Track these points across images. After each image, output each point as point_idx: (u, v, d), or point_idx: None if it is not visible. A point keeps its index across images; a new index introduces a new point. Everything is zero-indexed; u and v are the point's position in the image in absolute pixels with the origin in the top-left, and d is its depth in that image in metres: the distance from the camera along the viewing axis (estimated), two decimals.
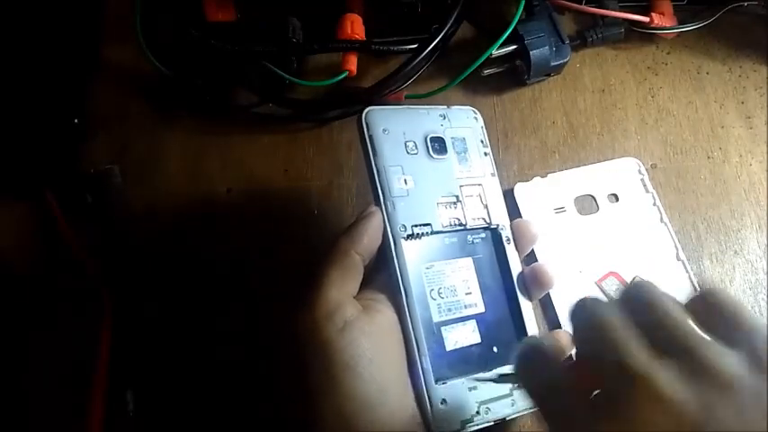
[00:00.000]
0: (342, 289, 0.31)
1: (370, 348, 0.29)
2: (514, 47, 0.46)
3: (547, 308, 0.42)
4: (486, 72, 0.48)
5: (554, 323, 0.42)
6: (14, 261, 0.44)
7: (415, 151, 0.34)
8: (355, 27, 0.46)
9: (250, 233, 0.45)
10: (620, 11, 0.49)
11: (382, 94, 0.47)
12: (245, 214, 0.45)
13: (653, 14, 0.49)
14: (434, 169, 0.35)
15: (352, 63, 0.46)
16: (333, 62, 0.47)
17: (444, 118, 0.36)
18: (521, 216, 0.44)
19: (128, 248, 0.44)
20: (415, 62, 0.45)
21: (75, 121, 0.47)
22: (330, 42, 0.46)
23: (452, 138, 0.36)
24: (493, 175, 0.36)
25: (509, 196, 0.45)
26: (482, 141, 0.37)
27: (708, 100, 0.50)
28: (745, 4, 0.51)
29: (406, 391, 0.30)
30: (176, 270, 0.43)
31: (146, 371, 0.41)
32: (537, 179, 0.46)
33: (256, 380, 0.39)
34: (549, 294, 0.42)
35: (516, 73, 0.49)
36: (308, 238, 0.44)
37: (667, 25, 0.50)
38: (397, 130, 0.34)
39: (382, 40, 0.47)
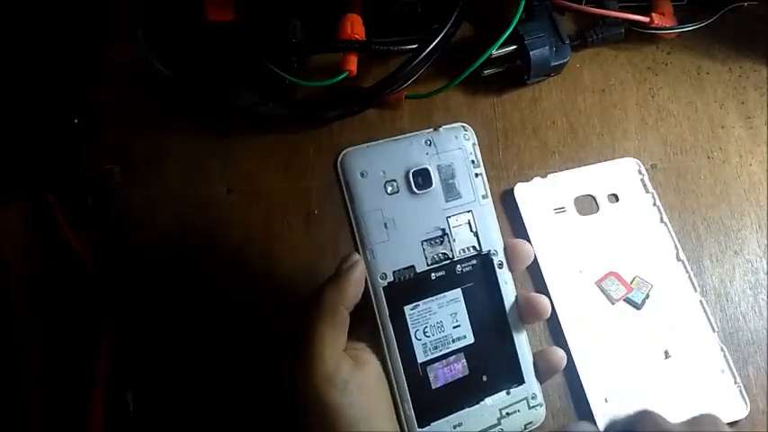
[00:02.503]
0: (335, 346, 0.30)
1: (367, 406, 0.29)
2: (514, 47, 0.46)
3: None
4: (486, 72, 0.48)
5: (554, 322, 0.42)
6: (14, 261, 0.44)
7: (397, 190, 0.32)
8: (355, 27, 0.46)
9: (250, 233, 0.45)
10: (621, 11, 0.49)
11: (382, 94, 0.47)
12: (245, 214, 0.45)
13: (653, 15, 0.49)
14: (418, 206, 0.33)
15: (353, 63, 0.46)
16: (333, 62, 0.47)
17: (430, 144, 0.33)
18: (521, 216, 0.44)
19: (128, 248, 0.44)
20: (415, 62, 0.45)
21: (76, 121, 0.47)
22: (330, 42, 0.46)
23: (439, 166, 0.33)
24: (485, 196, 0.34)
25: (509, 196, 0.45)
26: (473, 161, 0.34)
27: (708, 100, 0.50)
28: (745, 4, 0.51)
29: None
30: (176, 270, 0.43)
31: (146, 371, 0.41)
32: (537, 179, 0.46)
33: (256, 380, 0.39)
34: (549, 294, 0.42)
35: (516, 73, 0.49)
36: (308, 238, 0.44)
37: (667, 25, 0.50)
38: (375, 170, 0.32)
39: (382, 40, 0.47)
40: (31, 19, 0.49)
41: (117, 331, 0.41)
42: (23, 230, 0.44)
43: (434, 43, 0.45)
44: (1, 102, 0.46)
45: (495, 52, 0.46)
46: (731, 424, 0.39)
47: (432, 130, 0.34)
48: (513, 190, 0.45)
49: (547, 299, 0.33)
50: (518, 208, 0.45)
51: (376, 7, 0.48)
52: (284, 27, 0.45)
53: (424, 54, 0.45)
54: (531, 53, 0.46)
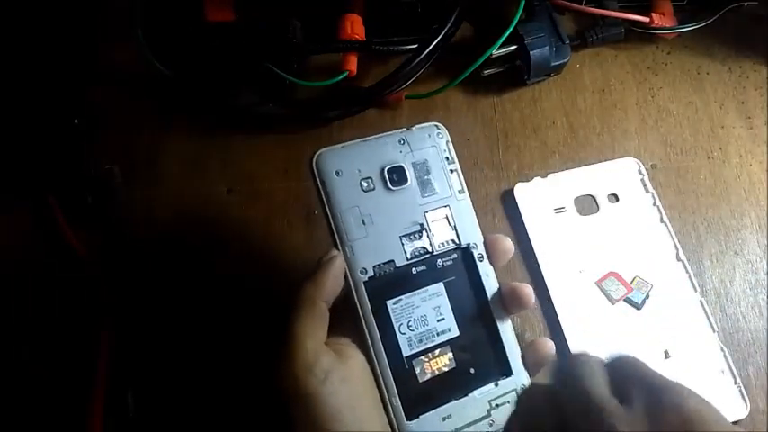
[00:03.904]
0: (315, 338, 0.31)
1: (350, 396, 0.30)
2: (514, 47, 0.46)
3: (547, 308, 0.42)
4: (486, 72, 0.48)
5: (554, 322, 0.42)
6: (15, 261, 0.44)
7: (372, 187, 0.33)
8: (355, 27, 0.46)
9: (250, 233, 0.45)
10: (620, 11, 0.49)
11: (382, 94, 0.47)
12: (245, 214, 0.45)
13: (653, 15, 0.49)
14: (394, 202, 0.33)
15: (352, 63, 0.46)
16: (333, 62, 0.47)
17: (404, 143, 0.34)
18: (521, 216, 0.44)
19: (128, 249, 0.44)
20: (415, 62, 0.45)
21: (76, 121, 0.47)
22: (330, 42, 0.46)
23: (413, 163, 0.34)
24: (461, 192, 0.35)
25: (509, 196, 0.45)
26: (447, 158, 0.35)
27: (708, 100, 0.50)
28: (745, 4, 0.51)
29: (387, 430, 0.31)
30: (176, 270, 0.43)
31: (146, 371, 0.41)
32: (537, 179, 0.46)
33: (256, 380, 0.39)
34: (549, 294, 0.42)
35: (516, 73, 0.49)
36: (308, 238, 0.44)
37: (667, 25, 0.50)
38: (350, 169, 0.33)
39: (382, 40, 0.47)
40: (32, 19, 0.49)
41: (117, 331, 0.41)
42: (23, 230, 0.44)
43: (434, 43, 0.45)
44: (1, 102, 0.46)
45: (495, 52, 0.46)
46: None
47: (405, 129, 0.35)
48: (513, 190, 0.45)
49: (530, 287, 0.34)
50: (518, 208, 0.45)
51: (376, 7, 0.48)
52: (284, 27, 0.45)
53: (424, 54, 0.45)
54: (531, 53, 0.46)
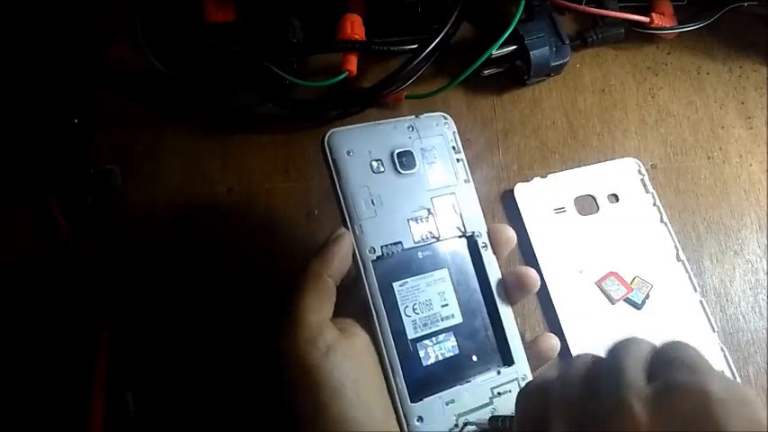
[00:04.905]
0: (320, 313, 0.31)
1: (353, 371, 0.30)
2: (514, 47, 0.46)
3: (547, 308, 0.42)
4: (487, 72, 0.48)
5: (554, 322, 0.42)
6: (14, 261, 0.44)
7: (382, 169, 0.34)
8: (355, 27, 0.46)
9: (250, 233, 0.45)
10: (620, 11, 0.49)
11: (382, 94, 0.47)
12: (245, 214, 0.45)
13: (653, 15, 0.49)
14: (403, 185, 0.34)
15: (352, 63, 0.46)
16: (333, 62, 0.47)
17: (412, 129, 0.35)
18: (521, 216, 0.44)
19: (128, 248, 0.44)
20: (415, 62, 0.45)
21: (75, 121, 0.47)
22: (330, 42, 0.46)
23: (422, 149, 0.35)
24: (467, 181, 0.36)
25: (509, 196, 0.45)
26: (454, 148, 0.36)
27: (708, 100, 0.50)
28: (745, 4, 0.51)
29: (389, 410, 0.31)
30: (176, 270, 0.43)
31: (146, 371, 0.41)
32: (537, 179, 0.46)
33: (256, 380, 0.39)
34: (549, 294, 0.42)
35: (516, 73, 0.49)
36: (308, 238, 0.44)
37: (667, 25, 0.50)
38: (361, 149, 0.34)
39: (382, 40, 0.47)
40: (32, 19, 0.49)
41: (117, 331, 0.41)
42: (23, 230, 0.44)
43: (434, 43, 0.45)
44: (1, 102, 0.46)
45: (495, 52, 0.46)
46: None
47: (413, 116, 0.36)
48: (513, 190, 0.45)
49: (534, 271, 0.34)
50: (518, 208, 0.45)
51: (376, 7, 0.48)
52: (284, 27, 0.45)
53: (424, 54, 0.45)
54: (531, 53, 0.46)
